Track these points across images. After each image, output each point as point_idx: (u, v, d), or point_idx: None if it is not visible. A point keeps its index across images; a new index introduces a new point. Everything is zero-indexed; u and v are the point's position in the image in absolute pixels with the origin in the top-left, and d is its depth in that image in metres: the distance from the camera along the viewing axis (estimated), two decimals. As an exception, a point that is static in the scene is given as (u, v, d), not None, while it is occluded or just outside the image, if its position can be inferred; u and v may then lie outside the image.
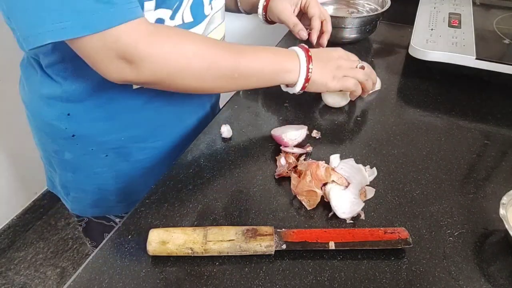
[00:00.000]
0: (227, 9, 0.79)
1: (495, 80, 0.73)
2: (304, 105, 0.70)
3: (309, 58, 0.59)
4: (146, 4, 0.50)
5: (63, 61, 0.55)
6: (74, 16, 0.41)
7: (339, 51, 0.66)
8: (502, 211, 0.45)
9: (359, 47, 0.89)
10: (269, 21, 0.77)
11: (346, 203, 0.49)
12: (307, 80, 0.59)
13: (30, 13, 0.41)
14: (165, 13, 0.54)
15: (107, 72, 0.47)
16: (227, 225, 0.47)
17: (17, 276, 1.54)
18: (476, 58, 0.71)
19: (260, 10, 0.75)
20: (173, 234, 0.45)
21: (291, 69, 0.59)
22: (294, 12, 0.74)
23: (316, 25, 0.72)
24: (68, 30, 0.42)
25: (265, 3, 0.74)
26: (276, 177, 0.55)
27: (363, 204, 0.49)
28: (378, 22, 0.89)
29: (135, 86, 0.59)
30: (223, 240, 0.44)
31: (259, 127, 0.65)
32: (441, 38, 0.76)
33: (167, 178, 0.55)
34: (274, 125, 0.65)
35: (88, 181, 0.67)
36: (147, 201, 0.52)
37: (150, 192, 0.53)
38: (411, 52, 0.77)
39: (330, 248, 0.44)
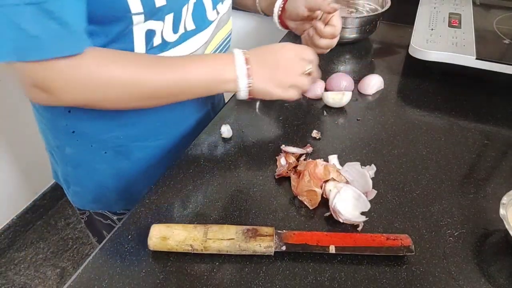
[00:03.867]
0: (245, 7, 0.78)
1: (495, 80, 0.73)
2: (304, 105, 0.70)
3: (247, 63, 0.54)
4: (134, 17, 0.49)
5: None
6: (3, 42, 0.42)
7: (289, 51, 0.59)
8: (502, 211, 0.45)
9: (359, 47, 0.89)
10: (284, 24, 0.73)
11: (347, 211, 0.48)
12: (249, 87, 0.55)
13: None
14: (156, 25, 0.52)
15: (27, 95, 0.48)
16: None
17: (17, 276, 1.54)
18: (476, 58, 0.71)
19: (276, 10, 0.71)
20: (174, 230, 0.45)
21: (229, 79, 0.55)
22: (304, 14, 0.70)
23: (326, 9, 0.67)
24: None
25: (282, 5, 0.70)
26: (276, 177, 0.55)
27: (364, 217, 0.48)
28: (378, 22, 0.89)
29: None
30: (223, 238, 0.44)
31: (259, 127, 0.65)
32: (441, 38, 0.76)
33: (167, 178, 0.55)
34: (274, 125, 0.65)
35: (88, 177, 0.67)
36: (147, 201, 0.52)
37: (150, 192, 0.53)
38: (411, 52, 0.77)
39: (331, 252, 0.44)
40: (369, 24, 0.87)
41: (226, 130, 0.62)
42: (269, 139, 0.62)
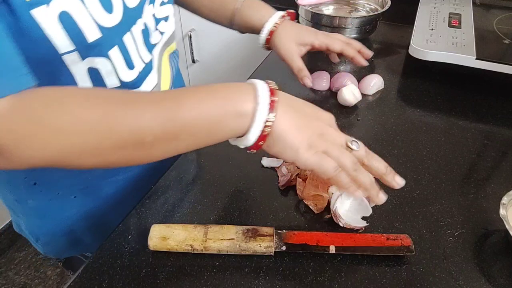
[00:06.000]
0: (216, 22, 0.70)
1: (495, 80, 0.73)
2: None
3: (272, 94, 0.39)
4: (65, 57, 0.41)
5: None
6: None
7: (326, 114, 0.44)
8: (502, 211, 0.45)
9: (359, 47, 0.89)
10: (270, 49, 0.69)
11: (348, 216, 0.48)
12: (265, 129, 0.38)
13: None
14: (101, 63, 0.44)
15: None
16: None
17: (17, 276, 1.54)
18: (476, 58, 0.71)
19: (262, 41, 0.66)
20: (174, 230, 0.45)
21: (243, 111, 0.38)
22: (301, 52, 0.66)
23: (350, 53, 0.67)
24: None
25: (268, 37, 0.65)
26: (281, 188, 0.53)
27: (365, 223, 0.48)
28: (378, 22, 0.89)
29: None
30: (223, 238, 0.44)
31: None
32: (441, 38, 0.76)
33: (167, 178, 0.55)
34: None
35: (58, 225, 0.61)
36: (147, 201, 0.52)
37: (150, 192, 0.53)
38: (411, 52, 0.77)
39: (331, 252, 0.44)
40: (369, 24, 0.87)
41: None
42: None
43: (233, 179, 0.55)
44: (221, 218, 0.50)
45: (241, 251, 0.44)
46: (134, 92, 0.40)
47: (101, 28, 0.42)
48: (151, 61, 0.53)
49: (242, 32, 0.71)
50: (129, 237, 0.48)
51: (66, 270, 0.79)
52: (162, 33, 0.55)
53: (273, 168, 0.57)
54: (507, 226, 0.44)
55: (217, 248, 0.44)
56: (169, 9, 0.56)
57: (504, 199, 0.46)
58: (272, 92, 0.39)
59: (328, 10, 0.97)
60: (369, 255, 0.45)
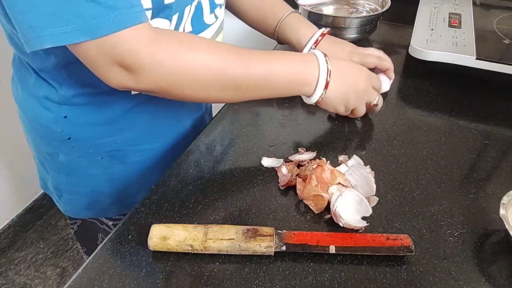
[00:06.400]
0: (259, 31, 0.75)
1: (495, 80, 0.73)
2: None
3: (329, 75, 0.54)
4: None
5: (57, 66, 0.54)
6: (74, 21, 0.40)
7: (367, 78, 0.59)
8: (502, 211, 0.45)
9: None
10: None
11: (348, 215, 0.48)
12: (321, 97, 0.56)
13: (30, 15, 0.40)
14: (162, 23, 0.51)
15: (106, 78, 0.46)
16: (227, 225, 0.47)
17: (17, 276, 1.54)
18: (476, 58, 0.71)
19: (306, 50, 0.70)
20: (174, 230, 0.45)
21: (309, 83, 0.54)
22: None
23: (385, 66, 0.70)
24: (67, 35, 0.40)
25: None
26: (281, 188, 0.53)
27: (365, 223, 0.48)
28: (378, 22, 0.89)
29: (133, 92, 0.58)
30: (223, 238, 0.44)
31: (259, 127, 0.65)
32: (441, 38, 0.76)
33: (167, 178, 0.55)
34: (275, 125, 0.65)
35: (82, 183, 0.66)
36: (147, 201, 0.52)
37: (150, 192, 0.53)
38: (411, 52, 0.77)
39: (331, 252, 0.44)
40: (369, 24, 0.87)
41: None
42: (270, 138, 0.62)
43: (233, 179, 0.55)
44: (221, 218, 0.50)
45: (241, 251, 0.44)
46: (238, 48, 0.51)
47: None
48: (190, 32, 0.57)
49: (279, 43, 0.76)
50: (129, 237, 0.48)
51: (77, 241, 0.81)
52: (217, 17, 0.61)
53: (273, 168, 0.57)
54: (507, 226, 0.44)
55: (217, 248, 0.44)
56: None
57: (504, 199, 0.46)
58: (329, 73, 0.54)
59: (328, 10, 0.97)
60: (369, 255, 0.45)
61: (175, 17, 0.52)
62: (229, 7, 0.74)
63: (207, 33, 0.61)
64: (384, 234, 0.46)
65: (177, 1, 0.50)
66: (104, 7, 0.40)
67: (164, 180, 0.55)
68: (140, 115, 0.61)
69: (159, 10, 0.49)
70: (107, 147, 0.62)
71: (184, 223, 0.48)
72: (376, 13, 0.88)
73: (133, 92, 0.58)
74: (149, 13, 0.48)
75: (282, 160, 0.57)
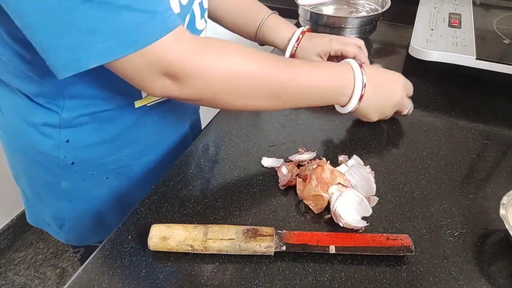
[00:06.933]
0: (239, 34, 0.75)
1: (495, 80, 0.73)
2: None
3: (364, 87, 0.55)
4: None
5: (57, 90, 0.50)
6: (118, 33, 0.38)
7: (401, 87, 0.59)
8: (502, 211, 0.45)
9: (359, 47, 0.89)
10: None
11: (348, 215, 0.48)
12: (355, 109, 0.57)
13: (67, 37, 0.37)
14: None
15: (150, 89, 0.44)
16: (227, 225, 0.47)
17: (17, 277, 1.54)
18: (476, 58, 0.71)
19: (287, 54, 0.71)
20: (174, 230, 0.45)
21: (344, 95, 0.55)
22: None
23: (363, 58, 0.69)
24: (112, 50, 0.38)
25: (292, 52, 0.70)
26: (281, 188, 0.53)
27: (365, 223, 0.48)
28: (378, 22, 0.89)
29: (137, 104, 0.56)
30: (223, 238, 0.44)
31: (259, 127, 0.65)
32: (441, 38, 0.76)
33: (167, 178, 0.55)
34: (275, 125, 0.65)
35: (87, 207, 0.63)
36: (147, 201, 0.52)
37: (150, 192, 0.53)
38: (411, 52, 0.77)
39: (331, 252, 0.44)
40: (369, 24, 0.87)
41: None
42: (270, 138, 0.62)
43: (233, 179, 0.55)
44: (221, 218, 0.50)
45: (241, 251, 0.44)
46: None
47: (181, 5, 0.49)
48: None
49: (261, 45, 0.75)
50: (129, 237, 0.47)
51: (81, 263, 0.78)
52: (206, 22, 0.60)
53: (273, 168, 0.57)
54: (507, 226, 0.44)
55: (217, 248, 0.44)
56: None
57: (504, 199, 0.46)
58: (364, 86, 0.54)
59: (328, 10, 0.97)
60: (369, 255, 0.45)
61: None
62: (208, 12, 0.72)
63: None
64: (384, 234, 0.46)
65: (182, 9, 0.50)
66: (146, 13, 0.38)
67: (164, 180, 0.55)
68: (144, 126, 0.60)
69: None
70: (111, 165, 0.60)
71: (184, 223, 0.48)
72: (376, 13, 0.88)
73: (136, 105, 0.57)
74: None
75: (282, 160, 0.57)
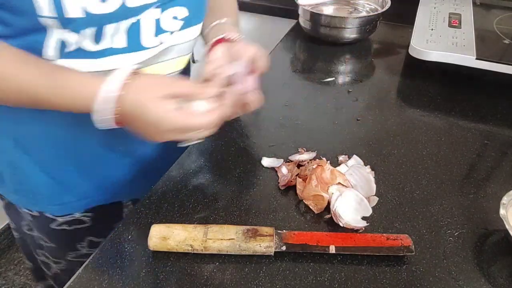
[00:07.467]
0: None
1: (495, 80, 0.73)
2: (304, 105, 0.70)
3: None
4: (42, 20, 0.45)
5: None
6: None
7: (155, 134, 0.48)
8: (502, 211, 0.45)
9: (359, 47, 0.89)
10: None
11: (348, 215, 0.48)
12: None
13: None
14: (68, 36, 0.48)
15: None
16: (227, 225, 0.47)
17: (17, 277, 1.54)
18: (476, 58, 0.71)
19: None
20: (174, 230, 0.45)
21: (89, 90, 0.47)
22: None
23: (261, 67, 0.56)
24: None
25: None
26: (282, 188, 0.53)
27: (365, 222, 0.48)
28: (378, 22, 0.89)
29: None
30: (223, 238, 0.44)
31: (259, 127, 0.65)
32: (441, 38, 0.76)
33: (167, 178, 0.55)
34: (275, 125, 0.65)
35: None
36: (147, 201, 0.52)
37: (150, 192, 0.53)
38: (411, 52, 0.77)
39: (331, 252, 0.44)
40: (369, 24, 0.87)
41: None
42: (270, 138, 0.62)
43: (233, 179, 0.55)
44: (221, 218, 0.50)
45: (241, 251, 0.44)
46: (27, 54, 0.48)
47: (87, 12, 0.46)
48: (124, 48, 0.52)
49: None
50: (129, 237, 0.48)
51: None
52: (161, 42, 0.55)
53: (273, 168, 0.57)
54: (507, 226, 0.44)
55: (217, 248, 0.44)
56: (191, 32, 0.58)
57: (504, 199, 0.46)
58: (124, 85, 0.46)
59: (328, 10, 0.97)
60: (369, 255, 0.45)
61: (88, 32, 0.49)
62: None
63: (144, 55, 0.54)
64: (384, 234, 0.46)
65: (89, 18, 0.46)
66: None
67: (164, 180, 0.55)
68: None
69: (64, 23, 0.47)
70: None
71: (184, 223, 0.48)
72: (376, 13, 0.88)
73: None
74: (55, 22, 0.46)
75: (282, 160, 0.57)
